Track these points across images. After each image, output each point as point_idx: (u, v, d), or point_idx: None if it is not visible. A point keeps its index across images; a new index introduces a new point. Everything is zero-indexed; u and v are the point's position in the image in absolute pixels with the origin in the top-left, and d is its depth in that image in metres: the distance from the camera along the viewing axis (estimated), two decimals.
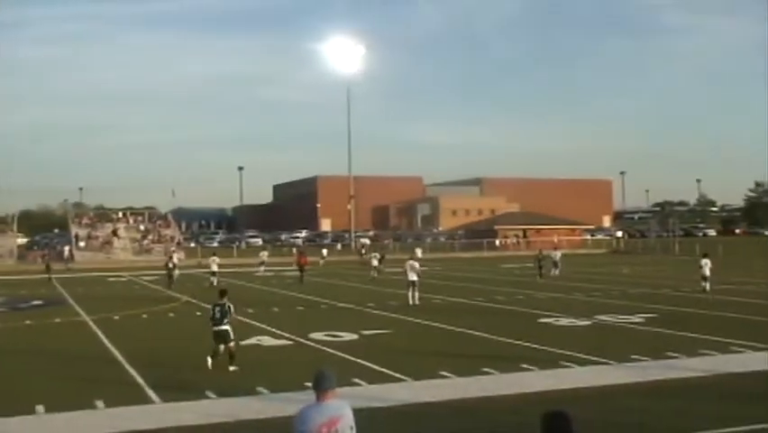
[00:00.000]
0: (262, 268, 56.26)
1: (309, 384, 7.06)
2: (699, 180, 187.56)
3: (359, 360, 17.87)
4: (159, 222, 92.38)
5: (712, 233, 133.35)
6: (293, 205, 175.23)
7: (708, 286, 34.90)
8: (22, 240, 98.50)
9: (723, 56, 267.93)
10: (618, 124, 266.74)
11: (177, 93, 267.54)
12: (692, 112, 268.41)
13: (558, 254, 50.26)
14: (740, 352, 18.15)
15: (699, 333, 21.16)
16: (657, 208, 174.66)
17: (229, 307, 17.79)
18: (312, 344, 20.83)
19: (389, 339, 21.69)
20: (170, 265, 44.60)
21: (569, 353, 18.20)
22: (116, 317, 28.29)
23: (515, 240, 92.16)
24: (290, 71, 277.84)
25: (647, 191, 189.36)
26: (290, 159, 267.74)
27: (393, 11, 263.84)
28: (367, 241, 58.42)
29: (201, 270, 53.81)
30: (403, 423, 12.61)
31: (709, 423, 11.85)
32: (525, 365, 16.60)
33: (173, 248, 73.43)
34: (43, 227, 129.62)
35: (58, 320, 28.03)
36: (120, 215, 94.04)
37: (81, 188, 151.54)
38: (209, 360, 17.12)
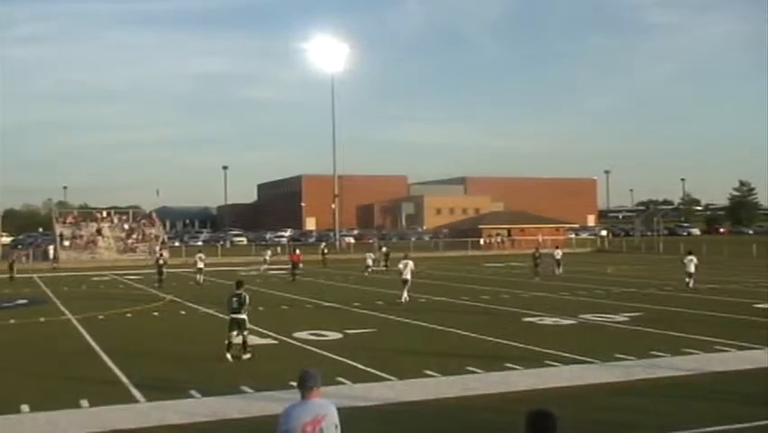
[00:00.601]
0: (264, 267, 55.90)
1: (294, 383, 7.07)
2: (683, 179, 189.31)
3: (343, 359, 17.86)
4: (143, 221, 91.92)
5: (696, 232, 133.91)
6: (278, 204, 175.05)
7: (692, 282, 35.18)
8: (6, 239, 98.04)
9: (708, 54, 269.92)
10: (603, 123, 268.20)
11: (162, 92, 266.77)
12: (677, 111, 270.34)
13: (560, 252, 49.83)
14: (724, 351, 18.25)
15: (684, 332, 21.26)
16: (642, 207, 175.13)
17: (245, 297, 18.75)
18: (297, 343, 20.80)
19: (374, 338, 21.70)
20: (161, 262, 44.95)
21: (553, 352, 18.24)
22: (101, 317, 28.17)
23: (499, 239, 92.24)
24: (275, 70, 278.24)
25: (632, 190, 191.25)
26: (275, 158, 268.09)
27: (378, 10, 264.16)
28: (381, 247, 58.35)
29: (185, 269, 53.64)
30: (387, 422, 12.61)
31: (693, 422, 11.92)
32: (509, 364, 16.64)
33: (158, 246, 73.25)
34: (28, 227, 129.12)
35: (42, 319, 27.88)
36: (104, 214, 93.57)
37: (65, 188, 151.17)
38: (228, 355, 17.96)
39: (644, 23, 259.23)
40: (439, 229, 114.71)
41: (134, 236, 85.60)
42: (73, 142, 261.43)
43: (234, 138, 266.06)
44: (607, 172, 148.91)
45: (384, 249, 62.60)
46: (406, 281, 31.60)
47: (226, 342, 18.27)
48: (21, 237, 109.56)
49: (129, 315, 28.91)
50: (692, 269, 35.77)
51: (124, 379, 16.03)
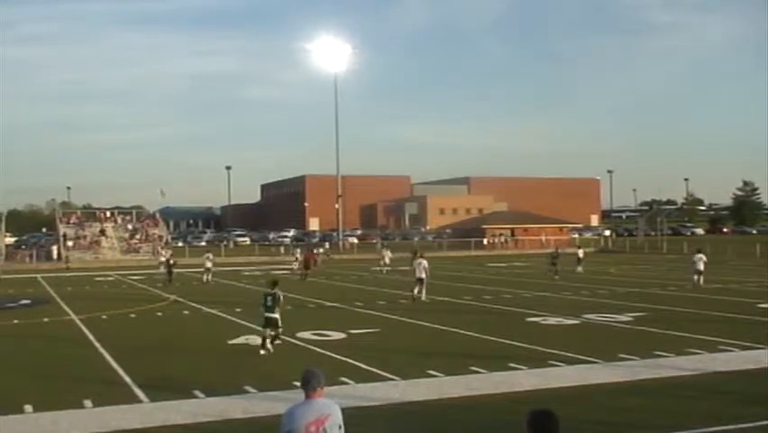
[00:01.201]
0: (295, 265, 54.64)
1: (297, 383, 7.07)
2: (686, 179, 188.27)
3: (347, 359, 17.86)
4: (146, 221, 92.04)
5: (700, 231, 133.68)
6: (281, 204, 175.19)
7: (701, 280, 35.27)
8: (10, 240, 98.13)
9: (711, 54, 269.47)
10: (606, 123, 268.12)
11: (165, 92, 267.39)
12: (680, 111, 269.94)
13: (581, 251, 50.58)
14: (728, 351, 18.22)
15: (687, 332, 21.24)
16: (645, 207, 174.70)
17: (279, 296, 19.55)
18: (300, 343, 20.79)
19: (377, 338, 21.68)
20: (171, 262, 45.72)
21: (557, 352, 18.23)
22: (104, 317, 28.19)
23: (502, 239, 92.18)
24: (278, 70, 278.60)
25: (635, 190, 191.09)
26: (278, 158, 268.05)
27: (381, 10, 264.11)
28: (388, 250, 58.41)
29: (189, 269, 53.63)
30: (391, 422, 12.60)
31: (697, 422, 11.90)
32: (512, 364, 16.63)
33: (161, 247, 73.26)
34: (31, 227, 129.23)
35: (46, 320, 27.89)
36: (108, 214, 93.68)
37: (69, 188, 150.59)
38: (261, 351, 18.68)
39: (645, 23, 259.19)
40: (442, 229, 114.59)
41: (138, 237, 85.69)
42: (76, 143, 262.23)
43: (238, 138, 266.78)
44: (610, 172, 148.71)
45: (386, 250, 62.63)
46: (420, 280, 31.67)
47: (260, 340, 19.20)
48: (24, 238, 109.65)
49: (132, 315, 28.93)
50: (701, 267, 35.86)
51: (128, 379, 16.03)
